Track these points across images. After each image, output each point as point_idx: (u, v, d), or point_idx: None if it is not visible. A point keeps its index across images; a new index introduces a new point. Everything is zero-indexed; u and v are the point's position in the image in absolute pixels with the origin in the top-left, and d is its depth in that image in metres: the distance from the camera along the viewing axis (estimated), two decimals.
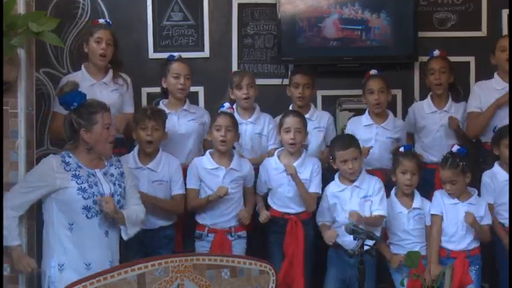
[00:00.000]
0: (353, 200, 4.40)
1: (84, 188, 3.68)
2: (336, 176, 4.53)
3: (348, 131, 4.93)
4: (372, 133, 4.83)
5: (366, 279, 3.53)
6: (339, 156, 4.44)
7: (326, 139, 4.90)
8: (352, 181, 4.44)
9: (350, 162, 4.40)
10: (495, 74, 5.04)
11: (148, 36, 5.52)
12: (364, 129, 4.85)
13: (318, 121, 4.92)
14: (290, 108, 4.91)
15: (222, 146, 4.43)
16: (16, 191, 3.75)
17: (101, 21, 4.83)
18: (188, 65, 4.82)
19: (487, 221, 4.47)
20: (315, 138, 4.84)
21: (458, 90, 5.14)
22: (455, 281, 4.21)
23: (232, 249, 4.39)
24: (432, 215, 4.50)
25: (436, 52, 5.08)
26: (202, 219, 4.48)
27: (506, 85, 4.92)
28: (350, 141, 4.50)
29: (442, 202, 4.49)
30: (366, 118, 4.92)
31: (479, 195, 4.57)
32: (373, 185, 4.43)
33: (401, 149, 4.57)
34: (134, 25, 5.53)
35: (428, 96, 5.11)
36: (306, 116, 4.84)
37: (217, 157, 4.49)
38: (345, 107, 5.49)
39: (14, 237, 3.73)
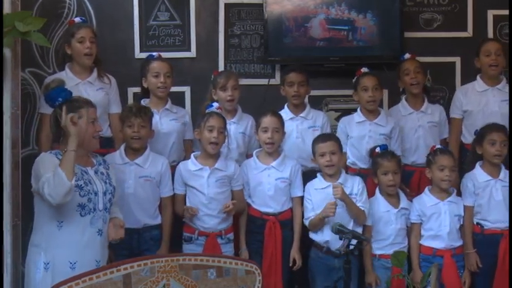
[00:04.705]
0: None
1: (81, 185, 3.65)
2: (319, 174, 4.55)
3: (339, 129, 4.94)
4: (365, 130, 4.83)
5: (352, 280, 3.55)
6: (318, 149, 4.47)
7: None
8: (336, 178, 4.45)
9: (328, 155, 4.41)
10: (478, 77, 5.10)
11: (134, 36, 5.52)
12: (357, 126, 4.86)
13: (314, 121, 4.92)
14: (285, 106, 4.92)
15: (213, 149, 4.42)
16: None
17: (77, 20, 4.82)
18: (168, 63, 4.81)
19: (462, 221, 4.54)
20: (311, 138, 4.83)
21: (430, 94, 5.23)
22: (444, 280, 4.25)
23: (221, 253, 4.36)
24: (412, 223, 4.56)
25: (407, 55, 5.15)
26: (192, 221, 4.45)
27: (488, 88, 5.04)
28: (330, 136, 4.57)
29: (422, 207, 4.52)
30: (358, 115, 4.92)
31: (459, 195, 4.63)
32: (357, 183, 4.47)
33: (377, 150, 4.60)
34: (120, 25, 5.52)
35: (403, 99, 5.15)
36: (301, 115, 4.87)
37: (202, 158, 4.48)
38: (331, 107, 5.49)
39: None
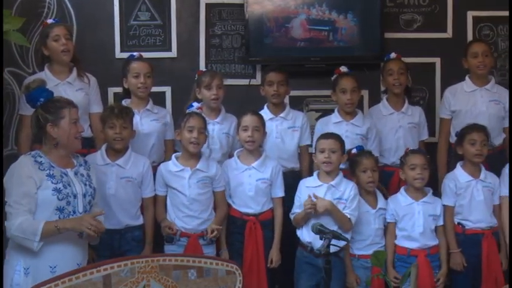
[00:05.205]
0: (327, 198, 4.37)
1: (59, 188, 3.62)
2: (315, 173, 4.55)
3: (317, 130, 4.92)
4: (341, 130, 4.81)
5: (335, 281, 3.54)
6: (319, 145, 4.47)
7: (300, 139, 4.91)
8: (330, 180, 4.44)
9: (327, 152, 4.40)
10: (466, 77, 5.13)
11: (115, 36, 5.51)
12: (334, 126, 4.85)
13: (293, 121, 4.92)
14: (265, 107, 4.92)
15: (194, 148, 4.41)
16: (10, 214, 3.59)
17: (50, 21, 4.80)
18: (148, 64, 4.79)
19: (441, 222, 4.56)
20: (290, 138, 4.85)
21: (411, 95, 5.25)
22: (419, 282, 4.27)
23: (203, 254, 4.32)
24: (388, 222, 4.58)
25: (393, 54, 5.14)
26: (173, 222, 4.43)
27: (477, 88, 5.07)
28: (333, 134, 4.54)
29: (396, 206, 4.54)
30: (335, 116, 4.93)
31: (438, 196, 4.65)
32: (349, 189, 4.43)
33: (354, 151, 4.61)
34: (101, 24, 5.51)
35: (384, 99, 5.16)
36: (281, 115, 4.87)
37: (183, 159, 4.47)
38: (312, 107, 5.51)
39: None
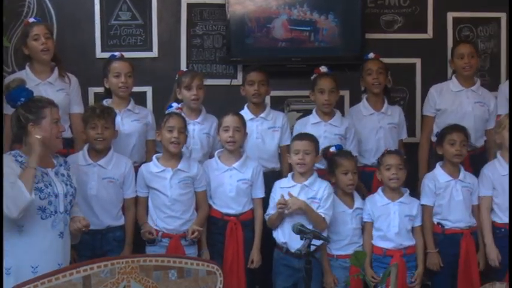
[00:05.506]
0: (300, 198, 4.39)
1: (41, 188, 3.60)
2: (290, 174, 4.56)
3: (295, 131, 4.93)
4: (320, 130, 4.83)
5: (311, 281, 3.55)
6: (293, 146, 4.48)
7: (281, 139, 4.91)
8: (304, 180, 4.45)
9: (301, 154, 4.41)
10: (453, 77, 5.18)
11: (95, 36, 5.47)
12: (312, 127, 4.86)
13: (273, 121, 4.93)
14: (245, 107, 4.92)
15: (175, 148, 4.40)
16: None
17: (31, 20, 4.78)
18: (129, 63, 4.78)
19: (418, 222, 4.58)
20: (271, 138, 4.86)
21: (390, 95, 5.26)
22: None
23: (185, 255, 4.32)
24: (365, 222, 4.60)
25: (371, 54, 5.16)
26: (155, 222, 4.43)
27: (463, 88, 5.12)
28: (308, 135, 4.55)
29: (372, 206, 4.56)
30: (313, 116, 4.94)
31: (419, 194, 4.68)
32: (323, 188, 4.44)
33: (333, 149, 4.62)
34: (81, 24, 5.47)
35: (364, 99, 5.18)
36: (261, 115, 4.88)
37: (164, 159, 4.46)
38: (293, 108, 5.52)
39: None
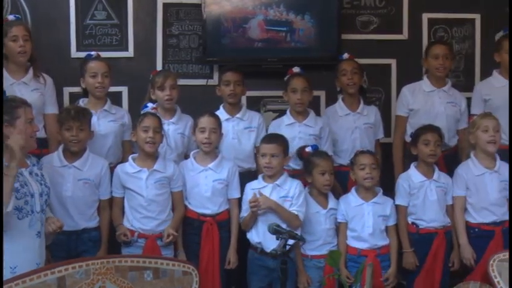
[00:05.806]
0: (272, 197, 4.41)
1: (17, 187, 3.56)
2: (260, 175, 4.57)
3: (269, 132, 4.92)
4: (294, 131, 4.85)
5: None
6: (261, 149, 4.50)
7: (257, 139, 4.90)
8: (274, 180, 4.47)
9: (267, 157, 4.42)
10: (425, 77, 5.21)
11: (70, 35, 5.44)
12: (286, 128, 4.87)
13: (249, 121, 4.93)
14: (221, 107, 4.91)
15: (150, 148, 4.39)
16: None
17: (10, 17, 4.75)
18: (106, 63, 4.76)
19: (392, 222, 4.60)
20: (247, 139, 4.86)
21: (366, 95, 5.29)
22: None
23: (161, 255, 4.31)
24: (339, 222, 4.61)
25: (345, 55, 5.19)
26: (131, 223, 4.41)
27: (435, 89, 5.14)
28: (276, 138, 4.55)
29: (346, 207, 4.57)
30: (287, 117, 4.95)
31: (393, 195, 4.70)
32: (294, 186, 4.46)
33: (309, 149, 4.64)
34: (56, 23, 5.44)
35: (340, 99, 5.19)
36: (237, 116, 4.88)
37: (140, 160, 4.45)
38: (269, 108, 5.54)
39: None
